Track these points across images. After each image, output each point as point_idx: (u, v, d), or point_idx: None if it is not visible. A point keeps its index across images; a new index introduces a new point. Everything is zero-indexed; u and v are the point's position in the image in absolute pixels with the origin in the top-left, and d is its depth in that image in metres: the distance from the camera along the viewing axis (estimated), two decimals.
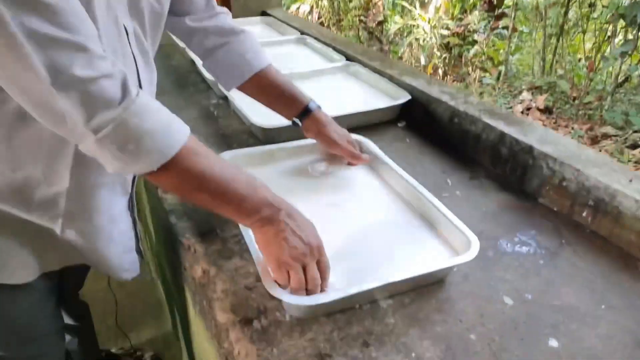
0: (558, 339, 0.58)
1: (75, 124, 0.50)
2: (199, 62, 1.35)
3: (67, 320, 1.07)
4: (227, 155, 0.86)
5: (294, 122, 0.88)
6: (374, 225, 0.75)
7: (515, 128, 0.91)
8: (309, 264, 0.59)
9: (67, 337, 1.07)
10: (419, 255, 0.69)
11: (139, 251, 0.83)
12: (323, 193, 0.83)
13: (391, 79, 1.22)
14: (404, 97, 1.12)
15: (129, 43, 0.64)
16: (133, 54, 0.65)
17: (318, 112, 0.87)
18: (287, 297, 0.56)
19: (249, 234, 0.66)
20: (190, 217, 0.80)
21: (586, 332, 0.60)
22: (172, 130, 0.54)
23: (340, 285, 0.63)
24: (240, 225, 0.69)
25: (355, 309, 0.62)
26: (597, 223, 0.77)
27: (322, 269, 0.60)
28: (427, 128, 1.10)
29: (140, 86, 0.67)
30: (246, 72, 0.86)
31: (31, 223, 0.64)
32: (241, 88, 0.88)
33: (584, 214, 0.79)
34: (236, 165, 0.62)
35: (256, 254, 0.63)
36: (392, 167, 0.85)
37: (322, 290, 0.59)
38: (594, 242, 0.75)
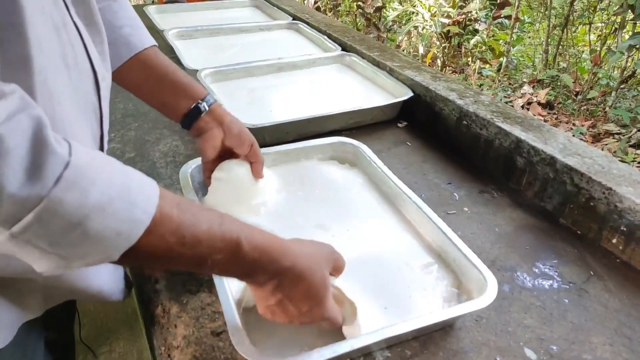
0: None
1: None
2: (177, 48, 1.22)
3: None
4: (193, 164, 0.73)
5: (196, 109, 0.65)
6: (368, 254, 0.63)
7: (534, 134, 0.79)
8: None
9: None
10: (422, 294, 0.57)
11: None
12: (310, 210, 0.70)
13: (391, 72, 1.09)
14: (405, 94, 1.00)
15: (67, 7, 0.45)
16: (74, 22, 0.47)
17: (219, 106, 0.68)
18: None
19: None
20: None
21: None
22: (133, 196, 0.35)
23: (327, 330, 0.52)
24: None
25: None
26: (630, 252, 0.66)
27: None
28: (431, 130, 0.98)
29: (91, 63, 0.50)
30: (124, 52, 0.63)
31: None
32: (116, 74, 0.63)
33: (614, 241, 0.68)
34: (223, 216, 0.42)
35: (224, 292, 0.51)
36: (392, 179, 0.72)
37: None
38: (627, 276, 0.64)
